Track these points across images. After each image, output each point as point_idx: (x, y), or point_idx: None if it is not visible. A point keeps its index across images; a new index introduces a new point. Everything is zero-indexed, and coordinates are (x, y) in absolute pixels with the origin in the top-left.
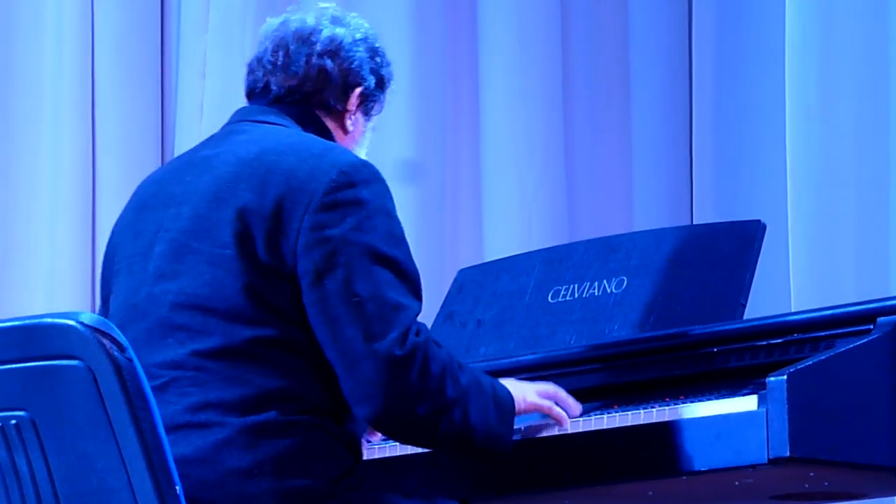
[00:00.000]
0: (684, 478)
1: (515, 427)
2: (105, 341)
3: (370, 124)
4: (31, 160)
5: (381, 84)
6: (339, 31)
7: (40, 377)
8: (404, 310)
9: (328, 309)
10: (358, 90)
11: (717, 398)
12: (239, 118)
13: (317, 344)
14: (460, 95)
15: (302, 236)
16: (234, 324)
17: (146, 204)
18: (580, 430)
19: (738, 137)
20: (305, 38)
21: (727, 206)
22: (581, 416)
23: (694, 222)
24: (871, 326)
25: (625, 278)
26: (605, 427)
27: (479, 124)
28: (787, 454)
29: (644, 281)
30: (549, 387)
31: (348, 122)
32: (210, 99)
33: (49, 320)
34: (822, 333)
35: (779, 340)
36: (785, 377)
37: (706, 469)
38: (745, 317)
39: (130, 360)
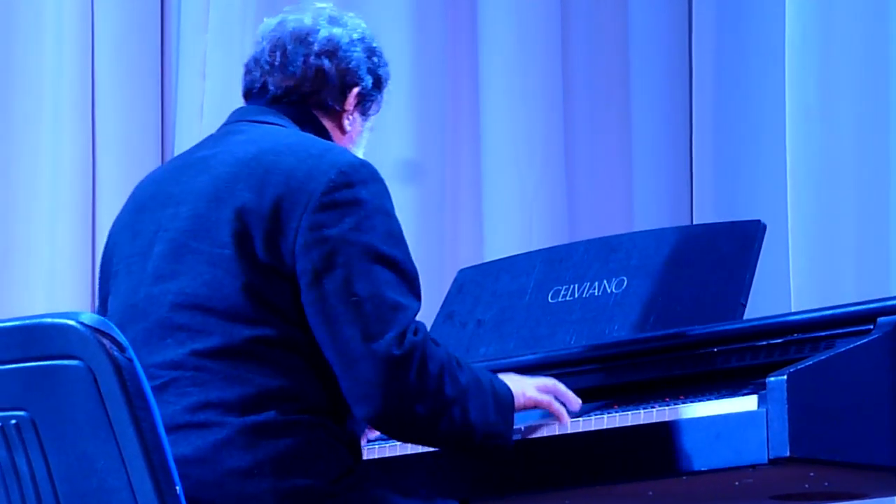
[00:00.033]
0: (684, 478)
1: (516, 427)
2: (105, 341)
3: (368, 124)
4: (31, 160)
5: (379, 84)
6: (337, 31)
7: (40, 377)
8: (403, 309)
9: (327, 308)
10: (355, 90)
11: (717, 398)
12: (237, 118)
13: (316, 343)
14: (460, 95)
15: (301, 236)
16: (233, 323)
17: (144, 204)
18: (580, 430)
19: (738, 137)
20: (303, 38)
21: (727, 206)
22: (581, 416)
23: (694, 222)
24: (872, 326)
25: (625, 278)
26: (605, 427)
27: (479, 124)
28: (788, 454)
29: (644, 281)
30: (547, 381)
31: (346, 122)
32: (210, 99)
33: (49, 320)
34: (823, 333)
35: (779, 340)
36: (785, 377)
37: (706, 469)
38: (746, 317)
39: (130, 360)
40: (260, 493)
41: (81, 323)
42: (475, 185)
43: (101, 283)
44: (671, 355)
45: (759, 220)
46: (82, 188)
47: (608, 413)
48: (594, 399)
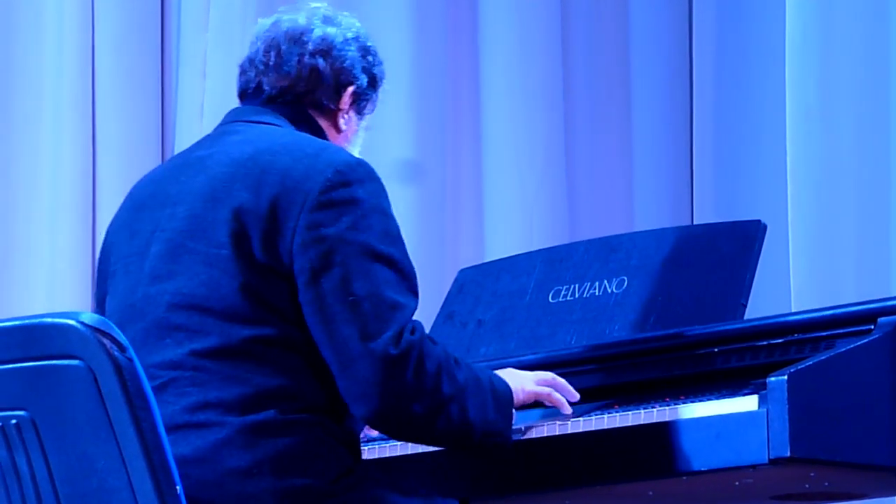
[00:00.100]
0: (684, 478)
1: (516, 426)
2: (105, 341)
3: (363, 123)
4: (31, 160)
5: (374, 83)
6: (331, 30)
7: (40, 377)
8: (401, 308)
9: (324, 308)
10: (350, 89)
11: (717, 398)
12: (232, 118)
13: (314, 342)
14: (460, 95)
15: (298, 235)
16: (231, 323)
17: (141, 204)
18: (580, 429)
19: (739, 137)
20: (297, 37)
21: (727, 206)
22: (581, 416)
23: (694, 222)
24: (872, 327)
25: (625, 278)
26: (605, 427)
27: (480, 124)
28: (788, 454)
29: (644, 281)
30: (546, 375)
31: (341, 121)
32: (210, 99)
33: (49, 320)
34: (823, 333)
35: (779, 340)
36: (785, 377)
37: (706, 469)
38: (746, 317)
39: (131, 359)
40: (259, 492)
41: (82, 323)
42: (476, 185)
43: (98, 284)
44: (671, 355)
45: (759, 221)
46: (82, 188)
47: (608, 413)
48: (594, 399)
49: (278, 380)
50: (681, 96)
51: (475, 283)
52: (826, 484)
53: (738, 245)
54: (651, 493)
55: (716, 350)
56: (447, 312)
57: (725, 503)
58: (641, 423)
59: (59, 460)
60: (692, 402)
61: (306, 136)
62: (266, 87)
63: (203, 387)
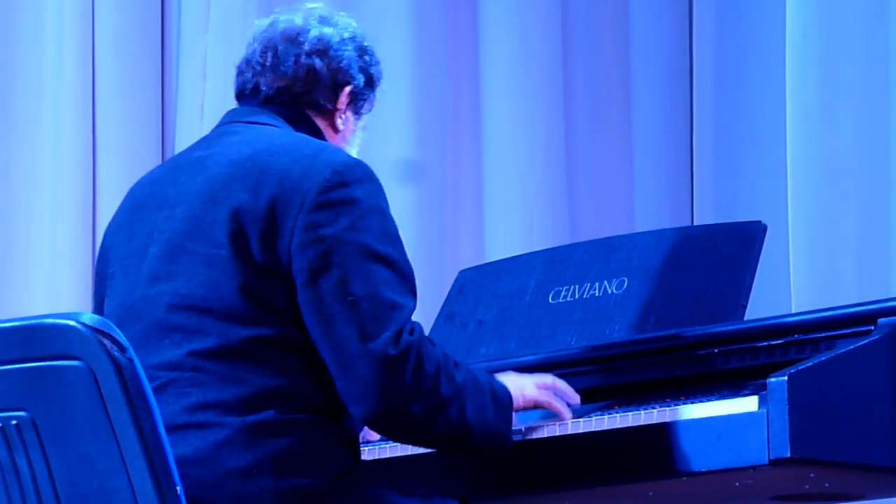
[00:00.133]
0: (685, 479)
1: (516, 427)
2: (106, 342)
3: (361, 123)
4: (31, 160)
5: (371, 82)
6: (327, 30)
7: (41, 377)
8: (399, 308)
9: (323, 308)
10: (347, 89)
11: (717, 399)
12: (230, 119)
13: (313, 343)
14: (460, 95)
15: (296, 236)
16: (230, 324)
17: (139, 206)
18: (580, 430)
19: (739, 138)
20: (293, 38)
21: (727, 207)
22: (582, 416)
23: (694, 223)
24: (872, 327)
25: (625, 279)
26: (605, 428)
27: (480, 124)
28: (788, 455)
29: (645, 282)
30: (546, 378)
31: (339, 121)
32: (210, 99)
33: (50, 321)
34: (823, 334)
35: (779, 341)
36: (786, 378)
37: (707, 470)
38: (746, 317)
39: (131, 360)
40: (260, 492)
41: (82, 323)
42: (476, 186)
43: (96, 285)
44: (672, 356)
45: (759, 221)
46: (82, 188)
47: (609, 414)
48: (595, 400)
49: (277, 380)
50: (681, 96)
51: (475, 283)
52: (826, 485)
53: (738, 246)
54: (651, 493)
55: (716, 351)
56: (447, 313)
57: None
58: (642, 423)
59: (60, 461)
60: (692, 402)
61: (304, 137)
62: (263, 88)
63: (202, 387)
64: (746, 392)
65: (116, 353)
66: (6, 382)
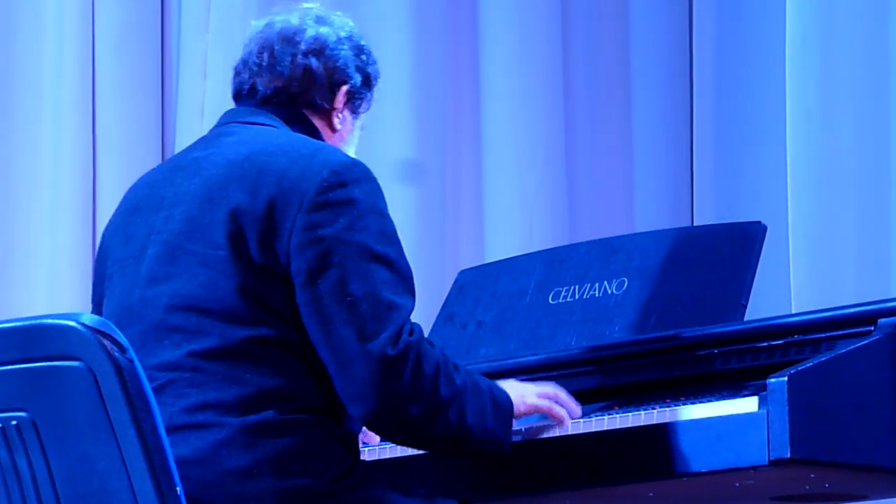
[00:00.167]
0: (685, 479)
1: (516, 428)
2: (106, 342)
3: (358, 122)
4: (31, 160)
5: (368, 82)
6: (324, 30)
7: (41, 378)
8: (398, 309)
9: (321, 308)
10: (344, 88)
11: (717, 399)
12: (227, 120)
13: (312, 343)
14: (460, 95)
15: (295, 236)
16: (229, 324)
17: (137, 207)
18: (581, 431)
19: (739, 138)
20: (290, 38)
21: (728, 207)
22: (582, 417)
23: (694, 223)
24: (872, 328)
25: (625, 279)
26: (605, 428)
27: (480, 124)
28: (788, 455)
29: (645, 282)
30: (549, 388)
31: (336, 121)
32: (211, 99)
33: (50, 321)
34: (823, 335)
35: (779, 342)
36: (786, 378)
37: (707, 470)
38: (746, 318)
39: (131, 360)
40: (260, 492)
41: (82, 324)
42: (476, 186)
43: (95, 287)
44: (672, 356)
45: (759, 222)
46: (82, 188)
47: (609, 414)
48: (595, 400)
49: (277, 380)
50: (681, 96)
51: (475, 284)
52: (826, 485)
53: (739, 246)
54: (651, 494)
55: (716, 351)
56: (447, 313)
57: None
58: (642, 424)
59: (60, 461)
60: (692, 403)
61: (302, 137)
62: (260, 88)
63: (202, 388)
64: (746, 392)
65: (116, 354)
66: (6, 383)
